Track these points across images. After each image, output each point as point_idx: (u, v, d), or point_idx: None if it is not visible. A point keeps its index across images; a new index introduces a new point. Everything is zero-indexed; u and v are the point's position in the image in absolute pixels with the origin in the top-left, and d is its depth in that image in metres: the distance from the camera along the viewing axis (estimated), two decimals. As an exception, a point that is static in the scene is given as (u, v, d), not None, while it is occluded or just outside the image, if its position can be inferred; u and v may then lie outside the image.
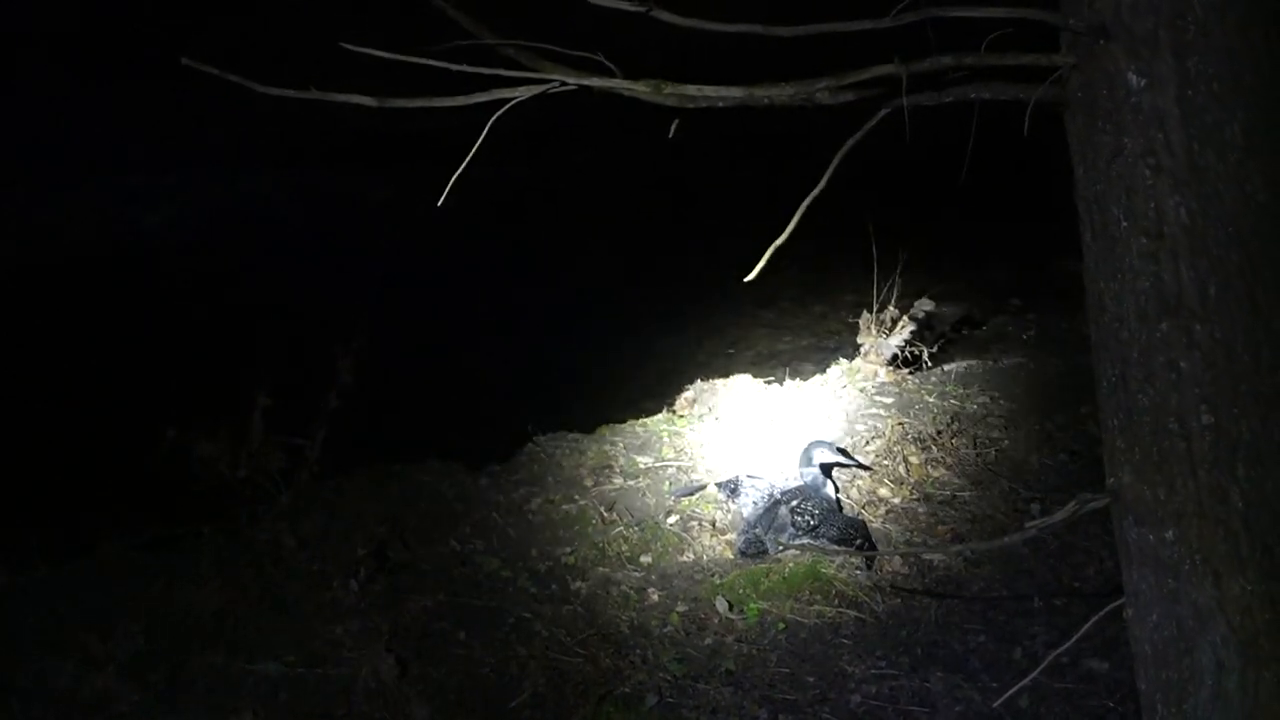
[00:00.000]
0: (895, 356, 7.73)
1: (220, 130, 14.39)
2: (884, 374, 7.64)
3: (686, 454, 6.79)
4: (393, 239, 12.64)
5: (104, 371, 9.32)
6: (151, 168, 14.23)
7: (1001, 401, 7.25)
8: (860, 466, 6.33)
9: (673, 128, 3.26)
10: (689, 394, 7.77)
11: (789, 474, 6.15)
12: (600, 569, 5.67)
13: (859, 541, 5.73)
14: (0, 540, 5.63)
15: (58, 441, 8.00)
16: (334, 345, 6.28)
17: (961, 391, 7.37)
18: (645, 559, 5.80)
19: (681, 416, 7.43)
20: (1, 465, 7.37)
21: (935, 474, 6.46)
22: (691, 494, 6.30)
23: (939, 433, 6.74)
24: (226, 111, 11.66)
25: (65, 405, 8.66)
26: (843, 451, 6.21)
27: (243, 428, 6.06)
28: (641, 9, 3.02)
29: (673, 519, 6.10)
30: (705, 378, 7.94)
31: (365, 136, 13.66)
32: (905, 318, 7.80)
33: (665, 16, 3.02)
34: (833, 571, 5.56)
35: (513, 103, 3.19)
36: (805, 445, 6.11)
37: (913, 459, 6.54)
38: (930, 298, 7.99)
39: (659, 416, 7.42)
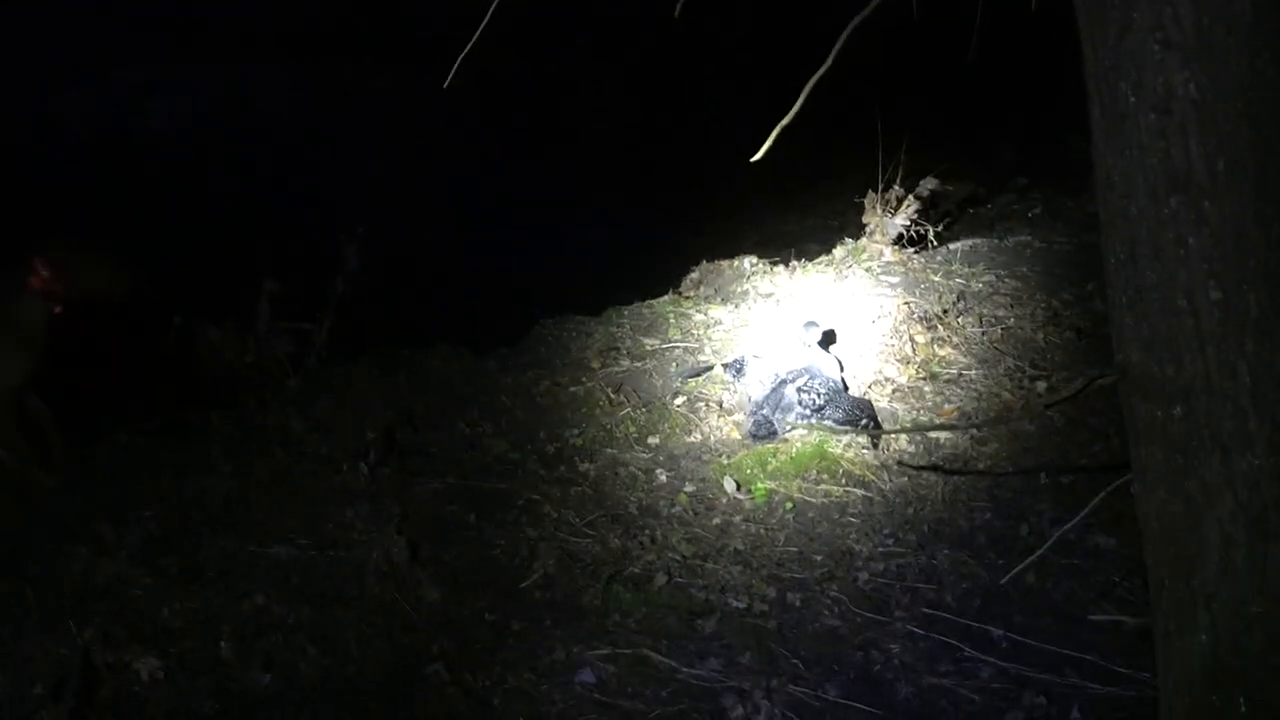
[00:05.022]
0: (901, 236, 7.71)
1: (220, 21, 14.26)
2: (889, 253, 7.62)
3: (693, 335, 6.79)
4: (396, 127, 12.57)
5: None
6: (154, 59, 14.10)
7: (1007, 280, 7.23)
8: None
9: (678, 7, 3.23)
10: (694, 275, 7.77)
11: (794, 354, 6.15)
12: (608, 450, 5.70)
13: (865, 421, 5.75)
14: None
15: (64, 332, 8.00)
16: (339, 232, 6.28)
17: (967, 270, 7.35)
18: (653, 440, 5.82)
19: (687, 298, 7.43)
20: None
21: (941, 353, 6.45)
22: (698, 375, 6.31)
23: (945, 311, 6.73)
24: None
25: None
26: (827, 335, 6.27)
27: (250, 314, 6.08)
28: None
29: (680, 400, 6.11)
30: (710, 259, 7.92)
31: (366, 25, 13.56)
32: (910, 196, 7.77)
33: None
34: (840, 451, 5.58)
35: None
36: (801, 324, 6.13)
37: (919, 338, 6.53)
38: (935, 176, 7.93)
39: (665, 298, 7.42)
